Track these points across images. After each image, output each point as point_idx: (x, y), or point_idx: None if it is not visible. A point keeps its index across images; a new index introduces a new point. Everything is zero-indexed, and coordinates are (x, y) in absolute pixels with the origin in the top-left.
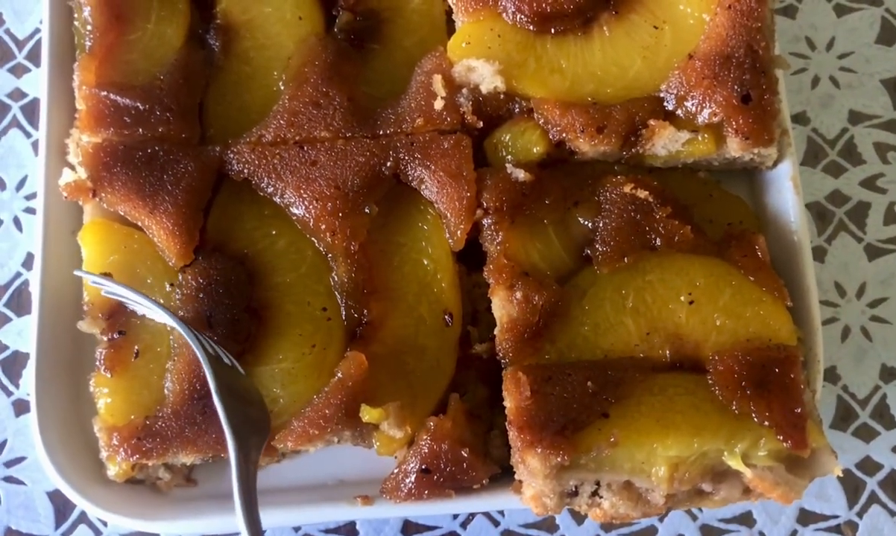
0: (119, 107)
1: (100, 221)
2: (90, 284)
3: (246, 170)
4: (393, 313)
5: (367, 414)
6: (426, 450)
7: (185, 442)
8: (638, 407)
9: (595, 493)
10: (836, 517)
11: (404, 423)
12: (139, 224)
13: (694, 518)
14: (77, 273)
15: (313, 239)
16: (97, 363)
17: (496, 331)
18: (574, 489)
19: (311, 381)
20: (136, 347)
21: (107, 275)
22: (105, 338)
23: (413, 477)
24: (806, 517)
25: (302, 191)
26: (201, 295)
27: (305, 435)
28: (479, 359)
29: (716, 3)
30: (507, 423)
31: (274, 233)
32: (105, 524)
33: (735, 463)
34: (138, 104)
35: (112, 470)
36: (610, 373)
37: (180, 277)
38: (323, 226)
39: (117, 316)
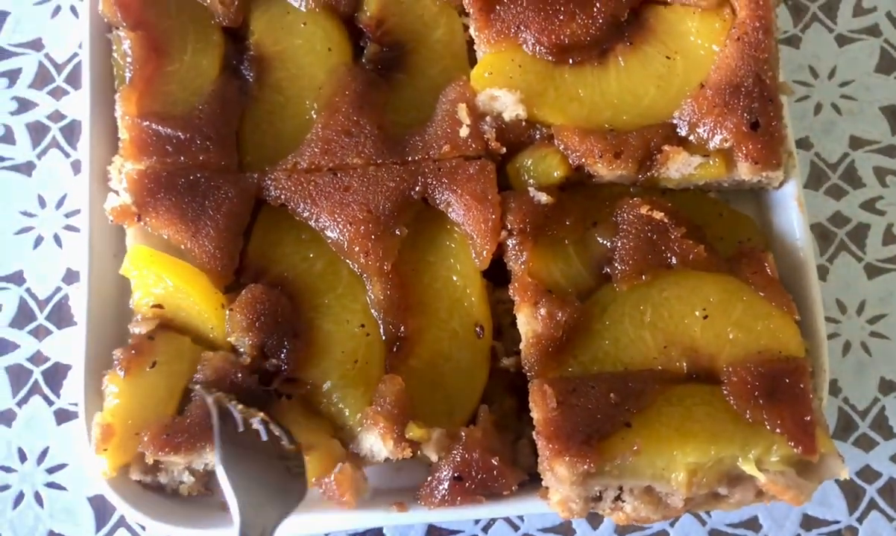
0: (161, 137)
1: (142, 249)
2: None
3: (283, 196)
4: (427, 328)
5: (412, 431)
6: (458, 459)
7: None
8: (658, 416)
9: (618, 498)
10: (837, 522)
11: (442, 450)
12: (181, 247)
13: (703, 523)
14: None
15: (348, 260)
16: (115, 362)
17: (522, 346)
18: (598, 494)
19: (359, 393)
20: (155, 359)
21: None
22: (133, 339)
23: (446, 485)
24: (809, 522)
25: (336, 216)
26: (256, 325)
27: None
28: (506, 372)
29: (725, 35)
30: (534, 433)
31: (311, 255)
32: (143, 528)
33: (749, 469)
34: (179, 133)
35: (103, 464)
36: (631, 385)
37: (227, 314)
38: (357, 248)
39: (151, 321)
